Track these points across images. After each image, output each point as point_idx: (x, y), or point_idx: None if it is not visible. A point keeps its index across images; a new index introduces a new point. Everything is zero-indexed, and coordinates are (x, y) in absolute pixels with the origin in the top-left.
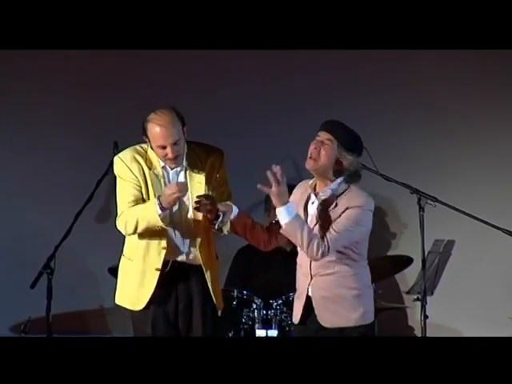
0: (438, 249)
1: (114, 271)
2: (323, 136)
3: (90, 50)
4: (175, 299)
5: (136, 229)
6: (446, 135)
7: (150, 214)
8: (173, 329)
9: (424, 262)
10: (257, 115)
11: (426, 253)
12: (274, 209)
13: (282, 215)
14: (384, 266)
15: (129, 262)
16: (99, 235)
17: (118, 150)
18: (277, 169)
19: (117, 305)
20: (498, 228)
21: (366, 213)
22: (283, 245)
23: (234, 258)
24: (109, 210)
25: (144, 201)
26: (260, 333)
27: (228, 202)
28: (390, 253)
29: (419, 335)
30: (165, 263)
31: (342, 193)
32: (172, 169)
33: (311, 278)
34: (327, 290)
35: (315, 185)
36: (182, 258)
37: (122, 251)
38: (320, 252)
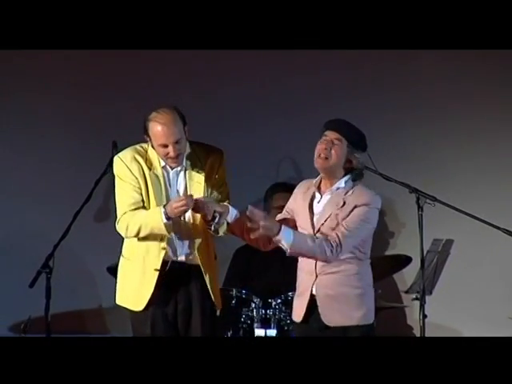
0: (437, 248)
1: (112, 271)
2: (331, 135)
3: (90, 50)
4: (174, 300)
5: (138, 234)
6: (446, 135)
7: (155, 221)
8: (172, 329)
9: (423, 261)
10: (257, 115)
11: (424, 252)
12: (274, 208)
13: (283, 242)
14: (383, 266)
15: (128, 262)
16: (98, 235)
17: (117, 149)
18: (250, 211)
19: (116, 304)
20: (497, 228)
21: (373, 211)
22: None
23: (232, 258)
24: (107, 210)
25: (144, 202)
26: (259, 332)
27: (225, 203)
28: (389, 252)
29: (418, 335)
30: (164, 263)
31: (348, 191)
32: (172, 169)
33: (316, 277)
34: (332, 289)
35: (319, 183)
36: (181, 258)
37: (121, 251)
38: (334, 253)
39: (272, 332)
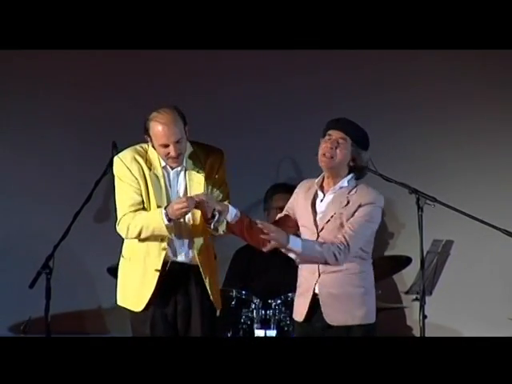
0: (437, 249)
1: (112, 271)
2: (336, 135)
3: (90, 50)
4: (174, 300)
5: (139, 235)
6: (446, 135)
7: (156, 223)
8: (171, 329)
9: (423, 262)
10: (257, 115)
11: (424, 253)
12: (274, 209)
13: (293, 251)
14: (383, 266)
15: (128, 262)
16: (98, 235)
17: (116, 150)
18: (261, 224)
19: (115, 305)
20: (497, 228)
21: (377, 209)
22: None
23: (232, 258)
24: (107, 210)
25: (144, 203)
26: (259, 333)
27: (225, 202)
28: (389, 253)
29: (418, 335)
30: (163, 264)
31: (352, 190)
32: (172, 169)
33: (319, 276)
34: (335, 288)
35: (322, 182)
36: (181, 258)
37: (121, 252)
38: (343, 256)
39: (272, 333)
